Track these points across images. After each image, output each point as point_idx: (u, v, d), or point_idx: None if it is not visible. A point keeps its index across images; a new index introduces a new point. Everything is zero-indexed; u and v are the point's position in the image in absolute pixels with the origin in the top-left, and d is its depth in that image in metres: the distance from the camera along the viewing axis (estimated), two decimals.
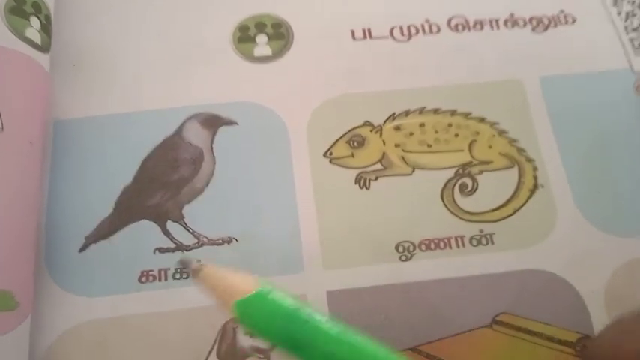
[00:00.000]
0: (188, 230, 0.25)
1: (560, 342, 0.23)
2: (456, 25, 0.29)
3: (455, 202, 0.25)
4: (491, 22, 0.29)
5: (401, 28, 0.29)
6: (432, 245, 0.25)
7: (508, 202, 0.25)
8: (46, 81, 0.26)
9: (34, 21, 0.26)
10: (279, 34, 0.29)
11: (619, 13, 0.29)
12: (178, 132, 0.26)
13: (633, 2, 0.29)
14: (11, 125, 0.24)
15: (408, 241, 0.25)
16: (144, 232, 0.25)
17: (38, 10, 0.26)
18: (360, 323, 0.23)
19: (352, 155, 0.26)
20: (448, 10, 0.29)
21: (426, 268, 0.24)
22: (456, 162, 0.26)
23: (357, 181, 0.26)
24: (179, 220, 0.25)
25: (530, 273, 0.24)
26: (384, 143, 0.26)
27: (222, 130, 0.26)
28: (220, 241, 0.25)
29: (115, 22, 0.29)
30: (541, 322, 0.23)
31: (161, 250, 0.24)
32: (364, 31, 0.29)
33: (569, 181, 0.26)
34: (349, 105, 0.27)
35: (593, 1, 0.30)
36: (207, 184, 0.25)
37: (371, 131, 0.27)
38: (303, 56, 0.28)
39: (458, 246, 0.25)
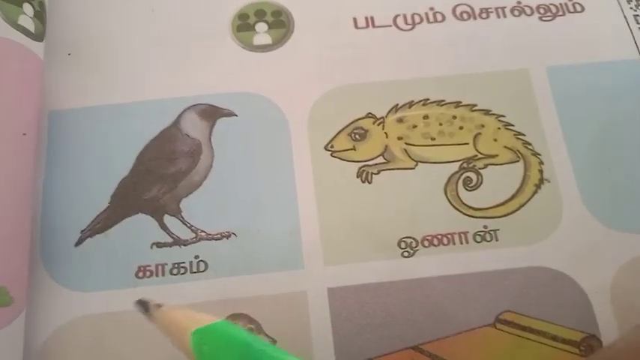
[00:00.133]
0: (186, 224, 0.24)
1: (564, 341, 0.22)
2: (462, 14, 0.28)
3: (459, 196, 0.25)
4: (497, 10, 0.28)
5: (405, 17, 0.28)
6: (435, 241, 0.24)
7: (513, 197, 0.25)
8: (40, 70, 0.25)
9: (27, 8, 0.25)
10: (280, 22, 0.28)
11: (629, 2, 0.29)
12: (176, 123, 0.26)
13: None
14: (4, 115, 0.23)
15: (410, 237, 0.24)
16: (141, 227, 0.24)
17: None
18: (362, 321, 0.23)
19: (354, 148, 0.26)
20: None
21: (428, 264, 0.24)
22: (460, 155, 0.26)
23: (359, 174, 0.25)
24: (177, 214, 0.24)
25: (535, 270, 0.24)
26: (386, 136, 0.26)
27: (221, 122, 0.26)
28: (219, 235, 0.24)
29: (112, 11, 0.28)
30: (545, 320, 0.23)
31: (158, 244, 0.24)
32: (367, 19, 0.28)
33: (576, 175, 0.25)
34: (351, 96, 0.27)
35: None
36: (205, 177, 0.25)
37: (373, 123, 0.26)
38: (304, 45, 0.28)
39: (461, 242, 0.24)
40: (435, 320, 0.23)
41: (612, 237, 0.24)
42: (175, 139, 0.25)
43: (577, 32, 0.28)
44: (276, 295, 0.23)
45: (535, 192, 0.25)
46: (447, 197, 0.25)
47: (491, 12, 0.28)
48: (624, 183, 0.25)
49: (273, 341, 0.22)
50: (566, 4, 0.29)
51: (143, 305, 0.18)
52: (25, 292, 0.23)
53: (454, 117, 0.26)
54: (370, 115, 0.26)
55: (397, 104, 0.26)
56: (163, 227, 0.24)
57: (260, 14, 0.28)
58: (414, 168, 0.25)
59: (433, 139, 0.26)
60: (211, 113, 0.26)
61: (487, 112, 0.26)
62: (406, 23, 0.28)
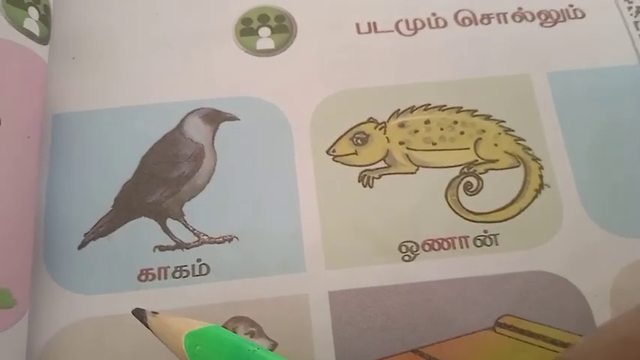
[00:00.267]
0: (188, 228, 0.24)
1: (564, 345, 0.23)
2: (463, 19, 0.28)
3: (459, 201, 0.25)
4: (498, 16, 0.29)
5: (407, 22, 0.28)
6: (436, 246, 0.24)
7: (513, 201, 0.25)
8: (44, 73, 0.25)
9: (33, 11, 0.25)
10: (283, 26, 0.28)
11: (629, 8, 0.29)
12: (179, 127, 0.26)
13: None
14: (8, 118, 0.23)
15: (411, 241, 0.24)
16: (143, 230, 0.24)
17: (37, 0, 0.26)
18: (362, 324, 0.23)
19: (355, 153, 0.26)
20: (455, 3, 0.29)
21: (429, 268, 0.24)
22: (461, 160, 0.26)
23: (360, 179, 0.25)
24: (179, 217, 0.25)
25: (535, 274, 0.24)
26: (388, 140, 0.26)
27: (224, 126, 0.26)
28: (221, 239, 0.24)
29: (116, 15, 0.28)
30: (545, 324, 0.23)
31: (161, 248, 0.24)
32: (369, 24, 0.28)
33: (576, 180, 0.25)
34: (353, 100, 0.27)
35: None
36: (208, 181, 0.25)
37: (375, 128, 0.26)
38: (307, 50, 0.28)
39: (462, 247, 0.24)
40: (436, 324, 0.23)
41: (612, 241, 0.24)
42: (178, 142, 0.26)
43: (578, 38, 0.28)
44: (277, 298, 0.23)
45: (535, 197, 0.25)
46: (447, 202, 0.25)
47: (493, 18, 0.29)
48: (624, 188, 0.25)
49: (275, 344, 0.23)
50: (566, 10, 0.29)
51: (139, 313, 0.19)
52: (28, 294, 0.23)
53: (455, 122, 0.26)
54: (372, 119, 0.26)
55: (399, 109, 0.27)
56: (166, 231, 0.24)
57: (263, 19, 0.28)
58: (415, 172, 0.26)
59: (434, 143, 0.26)
60: (214, 117, 0.26)
61: (488, 118, 0.26)
62: (408, 28, 0.28)
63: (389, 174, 0.26)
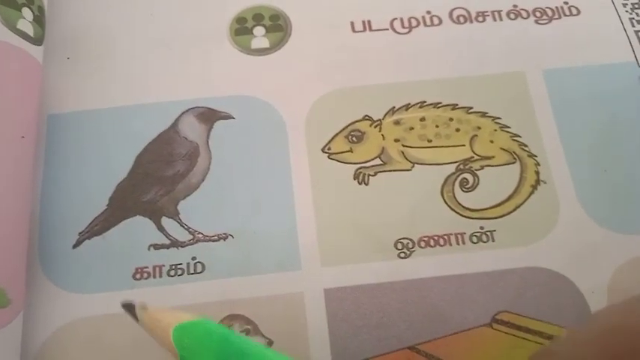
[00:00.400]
0: (183, 226, 0.24)
1: None
2: (458, 17, 0.28)
3: (455, 198, 0.25)
4: (493, 13, 0.29)
5: (401, 20, 0.28)
6: (432, 242, 0.24)
7: (509, 198, 0.25)
8: (39, 74, 0.26)
9: (26, 12, 0.25)
10: (277, 25, 0.28)
11: (625, 5, 0.29)
12: (174, 126, 0.26)
13: None
14: (3, 118, 0.23)
15: (407, 238, 0.24)
16: (138, 229, 0.24)
17: (31, 0, 0.26)
18: (358, 321, 0.23)
19: (351, 150, 0.26)
20: (450, 1, 0.29)
21: (425, 265, 0.24)
22: (456, 157, 0.26)
23: (356, 176, 0.25)
24: (174, 216, 0.24)
25: (531, 271, 0.24)
26: (383, 138, 0.26)
27: (219, 125, 0.26)
28: (216, 237, 0.24)
29: (111, 15, 0.28)
30: (542, 320, 0.23)
31: (156, 246, 0.24)
32: (364, 22, 0.28)
33: (572, 177, 0.25)
34: (348, 98, 0.27)
35: None
36: (202, 180, 0.25)
37: (370, 125, 0.26)
38: (302, 48, 0.28)
39: (458, 243, 0.24)
40: (432, 320, 0.23)
41: (609, 238, 0.24)
42: (173, 141, 0.26)
43: (573, 35, 0.28)
44: (273, 296, 0.23)
45: (531, 193, 0.25)
46: (443, 198, 0.25)
47: (488, 15, 0.29)
48: (620, 184, 0.25)
49: (270, 342, 0.22)
50: (562, 8, 0.29)
51: (129, 307, 0.19)
52: (23, 293, 0.23)
53: (451, 119, 0.26)
54: (367, 117, 0.26)
55: (394, 107, 0.27)
56: (161, 229, 0.24)
57: (258, 18, 0.28)
58: (410, 169, 0.25)
59: (430, 141, 0.26)
60: (209, 116, 0.26)
61: (483, 115, 0.26)
62: (403, 27, 0.28)
63: (384, 171, 0.25)
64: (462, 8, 0.29)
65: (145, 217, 0.24)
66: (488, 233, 0.24)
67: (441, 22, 0.28)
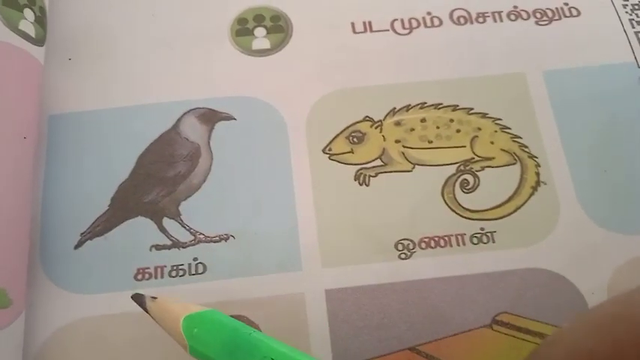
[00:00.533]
0: (184, 227, 0.24)
1: None
2: (459, 18, 0.29)
3: (456, 199, 0.25)
4: (494, 14, 0.29)
5: (402, 21, 0.28)
6: (432, 243, 0.24)
7: (510, 199, 0.25)
8: (40, 75, 0.26)
9: (28, 13, 0.25)
10: (278, 26, 0.28)
11: (625, 6, 0.29)
12: (175, 127, 0.26)
13: None
14: (5, 119, 0.23)
15: (407, 239, 0.24)
16: (140, 229, 0.24)
17: (32, 1, 0.26)
18: (359, 322, 0.23)
19: (352, 151, 0.26)
20: (450, 2, 0.29)
21: (425, 266, 0.24)
22: (457, 158, 0.26)
23: (357, 177, 0.25)
24: (175, 216, 0.25)
25: (532, 272, 0.24)
26: (384, 139, 0.26)
27: (220, 125, 0.26)
28: (217, 238, 0.24)
29: (112, 16, 0.28)
30: (542, 322, 0.23)
31: (157, 247, 0.24)
32: (365, 23, 0.28)
33: (573, 178, 0.25)
34: (349, 99, 0.27)
35: None
36: (204, 180, 0.25)
37: (371, 126, 0.26)
38: (303, 49, 0.28)
39: (458, 244, 0.24)
40: (432, 321, 0.23)
41: (609, 238, 0.24)
42: (174, 142, 0.26)
43: (573, 36, 0.28)
44: (274, 297, 0.23)
45: (532, 194, 0.25)
46: (444, 199, 0.25)
47: (488, 16, 0.29)
48: (621, 185, 0.25)
49: None
50: (562, 9, 0.29)
51: (139, 298, 0.19)
52: (24, 294, 0.23)
53: (451, 120, 0.26)
54: (368, 118, 0.26)
55: (395, 108, 0.27)
56: (162, 230, 0.24)
57: (259, 19, 0.28)
58: (411, 170, 0.26)
59: (430, 142, 0.26)
60: (210, 117, 0.26)
61: (484, 116, 0.26)
62: (404, 28, 0.28)
63: (385, 172, 0.26)
64: (463, 9, 0.29)
65: (146, 217, 0.25)
66: (489, 234, 0.24)
67: (441, 23, 0.28)
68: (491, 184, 0.25)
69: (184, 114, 0.26)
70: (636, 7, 0.29)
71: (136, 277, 0.24)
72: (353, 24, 0.28)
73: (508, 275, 0.24)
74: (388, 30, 0.28)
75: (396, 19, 0.28)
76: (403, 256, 0.24)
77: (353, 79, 0.27)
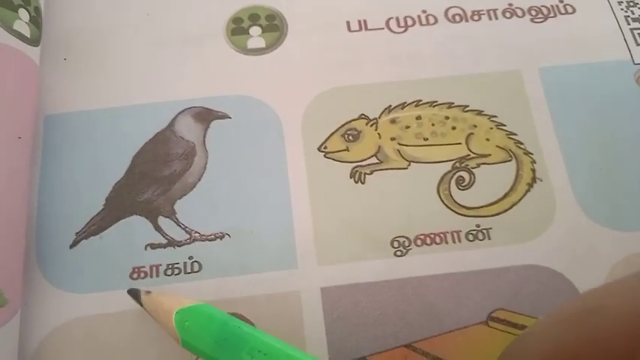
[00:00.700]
0: (180, 226, 0.24)
1: None
2: (454, 16, 0.29)
3: (451, 196, 0.25)
4: (489, 12, 0.29)
5: (397, 19, 0.28)
6: (428, 240, 0.24)
7: (505, 196, 0.25)
8: (35, 75, 0.26)
9: (23, 13, 0.25)
10: (273, 25, 0.28)
11: (620, 3, 0.29)
12: (170, 126, 0.26)
13: None
14: (0, 119, 0.23)
15: (403, 237, 0.24)
16: (135, 228, 0.24)
17: (27, 1, 0.26)
18: (355, 320, 0.23)
19: (347, 149, 0.26)
20: (445, 0, 0.29)
21: (421, 263, 0.24)
22: (452, 155, 0.26)
23: (352, 175, 0.25)
24: (171, 215, 0.25)
25: (528, 269, 0.24)
26: (379, 136, 0.26)
27: (215, 124, 0.26)
28: (213, 236, 0.24)
29: (107, 15, 0.28)
30: (538, 318, 0.23)
31: (152, 246, 0.24)
32: (360, 22, 0.28)
33: (569, 174, 0.25)
34: (344, 97, 0.27)
35: None
36: (199, 179, 0.25)
37: (366, 124, 0.26)
38: (298, 48, 0.28)
39: (454, 241, 0.24)
40: (428, 318, 0.23)
41: (605, 235, 0.24)
42: (169, 141, 0.26)
43: (568, 33, 0.28)
44: (269, 295, 0.23)
45: (527, 191, 0.25)
46: (439, 196, 0.25)
47: (483, 14, 0.29)
48: (617, 181, 0.25)
49: None
50: (557, 6, 0.29)
51: (134, 293, 0.20)
52: (20, 293, 0.23)
53: (447, 117, 0.26)
54: (363, 116, 0.26)
55: (390, 105, 0.27)
56: (158, 229, 0.24)
57: (254, 18, 0.28)
58: (406, 168, 0.26)
59: (426, 139, 0.26)
60: (205, 116, 0.26)
61: (479, 113, 0.26)
62: (399, 26, 0.28)
63: (381, 170, 0.25)
64: (458, 7, 0.29)
65: (141, 216, 0.25)
66: (485, 231, 0.24)
67: (436, 21, 0.28)
68: (486, 181, 0.25)
69: (179, 113, 0.26)
70: (631, 4, 0.29)
71: (131, 276, 0.24)
72: (348, 22, 0.28)
73: (504, 272, 0.24)
74: (383, 28, 0.28)
75: (391, 18, 0.28)
76: (399, 253, 0.24)
77: (348, 77, 0.27)
